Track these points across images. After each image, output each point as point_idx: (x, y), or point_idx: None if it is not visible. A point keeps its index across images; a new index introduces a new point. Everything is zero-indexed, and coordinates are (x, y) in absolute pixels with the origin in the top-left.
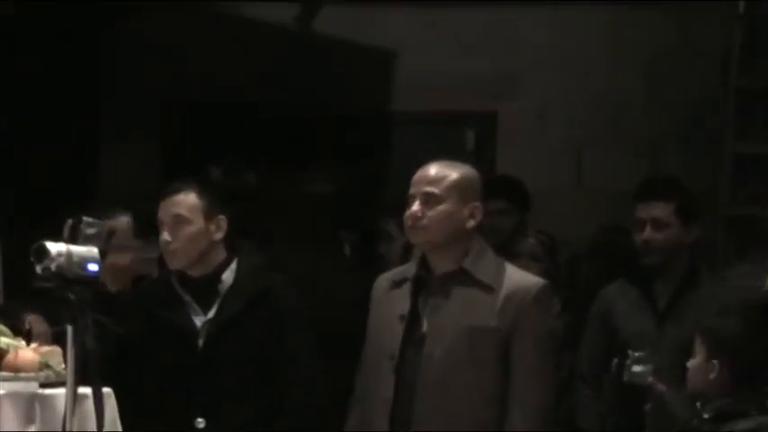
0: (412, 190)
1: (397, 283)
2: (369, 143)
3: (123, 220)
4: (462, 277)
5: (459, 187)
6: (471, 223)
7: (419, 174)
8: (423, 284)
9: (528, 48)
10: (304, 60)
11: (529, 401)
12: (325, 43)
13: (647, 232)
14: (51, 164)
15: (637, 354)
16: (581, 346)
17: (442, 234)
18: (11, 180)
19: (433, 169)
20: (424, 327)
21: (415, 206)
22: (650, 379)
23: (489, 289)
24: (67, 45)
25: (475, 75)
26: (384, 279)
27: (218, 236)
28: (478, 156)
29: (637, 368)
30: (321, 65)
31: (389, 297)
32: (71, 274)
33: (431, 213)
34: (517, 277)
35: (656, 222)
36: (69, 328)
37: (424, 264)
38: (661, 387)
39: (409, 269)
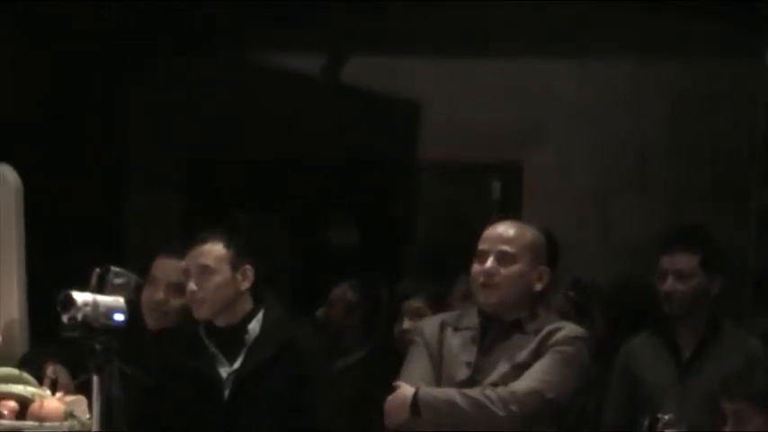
0: (484, 246)
1: (455, 329)
2: (395, 192)
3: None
4: (516, 326)
5: (532, 249)
6: (539, 286)
7: (493, 231)
8: (484, 333)
9: (553, 98)
10: (330, 110)
11: (531, 385)
12: (352, 93)
13: (670, 283)
14: (77, 212)
15: (667, 417)
16: (606, 398)
17: (512, 294)
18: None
19: (508, 228)
20: (479, 371)
21: (489, 263)
22: None
23: (535, 334)
24: (93, 95)
25: (500, 125)
26: (435, 323)
27: (245, 285)
28: (503, 206)
29: None
30: (347, 115)
31: (447, 341)
32: (97, 324)
33: (505, 272)
34: (559, 324)
35: (679, 274)
36: (95, 378)
37: (482, 313)
38: None
39: (465, 316)
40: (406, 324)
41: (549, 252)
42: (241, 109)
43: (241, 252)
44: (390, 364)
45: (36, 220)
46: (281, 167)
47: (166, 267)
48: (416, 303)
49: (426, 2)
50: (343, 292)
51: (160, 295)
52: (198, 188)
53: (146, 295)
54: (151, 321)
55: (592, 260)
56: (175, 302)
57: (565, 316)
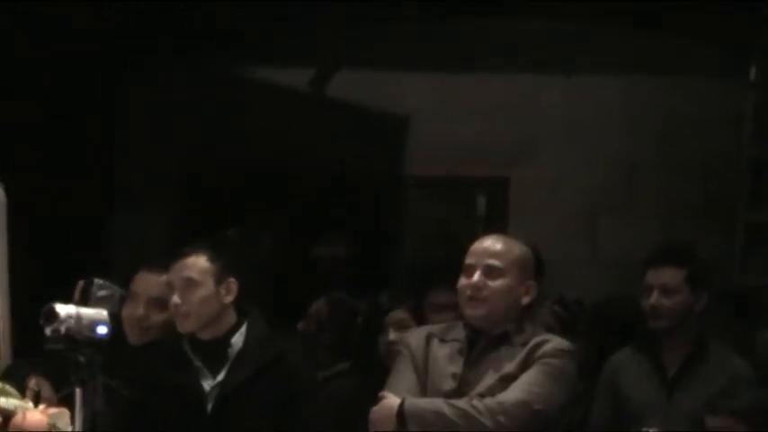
0: (471, 260)
1: (441, 341)
2: (382, 207)
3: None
4: (503, 339)
5: (519, 263)
6: (526, 300)
7: (480, 245)
8: (471, 346)
9: (542, 115)
10: (318, 125)
11: (518, 396)
12: (340, 108)
13: (655, 297)
14: (65, 226)
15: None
16: (590, 414)
17: (499, 308)
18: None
19: (496, 243)
20: (465, 383)
21: (477, 276)
22: None
23: (522, 346)
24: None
25: (488, 141)
26: (421, 334)
27: (228, 299)
28: (489, 221)
29: None
30: (335, 130)
31: (433, 352)
32: (80, 337)
33: (492, 286)
34: (546, 336)
35: (664, 288)
36: (78, 391)
37: (469, 326)
38: None
39: (452, 328)
40: (392, 336)
41: (536, 266)
42: (227, 123)
43: (225, 265)
44: (372, 376)
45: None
46: (267, 181)
47: (147, 282)
48: (401, 315)
49: (415, 18)
50: (319, 306)
51: (140, 311)
52: (184, 201)
53: (126, 311)
54: (132, 337)
55: (579, 276)
56: (156, 318)
57: (550, 330)
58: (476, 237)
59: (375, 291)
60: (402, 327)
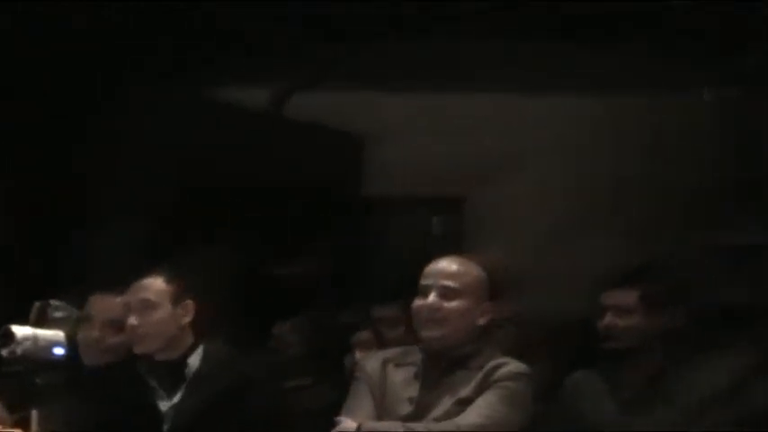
0: (427, 281)
1: (397, 365)
2: (342, 225)
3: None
4: (460, 362)
5: (475, 284)
6: (482, 321)
7: (435, 266)
8: (428, 369)
9: (505, 133)
10: (278, 142)
11: (475, 420)
12: (300, 126)
13: (608, 318)
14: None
15: None
16: None
17: (455, 329)
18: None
19: (451, 264)
20: (422, 407)
21: (432, 298)
22: None
23: (478, 369)
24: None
25: (449, 160)
26: (377, 359)
27: (186, 320)
28: (447, 241)
29: None
30: (293, 148)
31: (389, 377)
32: (37, 358)
33: (448, 307)
34: (503, 360)
35: (617, 309)
36: (33, 412)
37: (425, 349)
38: None
39: (408, 352)
40: (358, 356)
41: (494, 287)
42: (188, 138)
43: (183, 286)
44: (336, 394)
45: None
46: (227, 198)
47: (102, 305)
48: (366, 336)
49: (375, 36)
50: (283, 326)
51: (95, 333)
52: (148, 217)
53: (81, 334)
54: (88, 359)
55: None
56: (112, 340)
57: (509, 352)
58: (432, 257)
59: (337, 309)
60: (367, 348)
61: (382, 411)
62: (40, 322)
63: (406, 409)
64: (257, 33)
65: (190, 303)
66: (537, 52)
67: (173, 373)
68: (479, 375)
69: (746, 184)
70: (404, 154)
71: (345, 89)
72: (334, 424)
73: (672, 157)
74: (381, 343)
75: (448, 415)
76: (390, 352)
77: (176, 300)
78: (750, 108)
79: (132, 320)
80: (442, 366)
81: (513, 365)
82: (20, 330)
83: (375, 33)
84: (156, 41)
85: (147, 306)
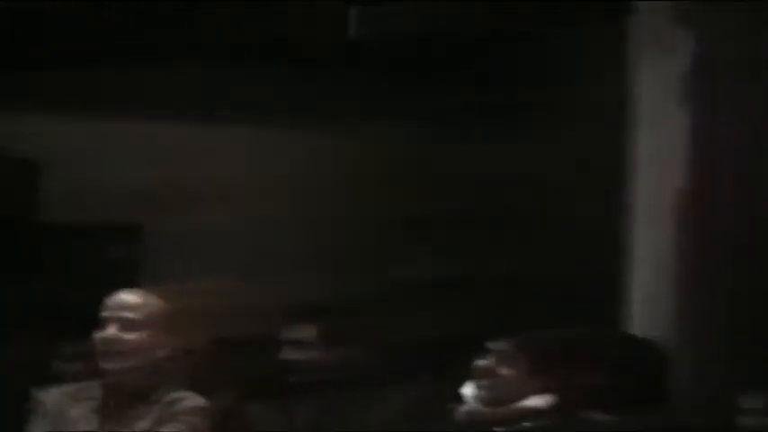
0: (107, 313)
1: (75, 400)
2: (16, 253)
3: None
4: (139, 395)
5: (155, 316)
6: (162, 354)
7: (116, 298)
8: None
9: (185, 162)
10: None
11: None
12: None
13: (285, 351)
14: None
15: None
16: None
17: (134, 362)
18: None
19: (131, 296)
20: None
21: (111, 330)
22: None
23: (157, 403)
24: None
25: (129, 186)
26: (55, 394)
27: None
28: (126, 270)
29: None
30: None
31: (67, 413)
32: None
33: (127, 339)
34: (182, 394)
35: (298, 343)
36: None
37: (104, 382)
38: None
39: (87, 387)
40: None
41: (176, 319)
42: None
43: None
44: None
45: None
46: None
47: None
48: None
49: (50, 63)
50: None
51: None
52: None
53: None
54: None
55: (231, 328)
56: None
57: (192, 386)
58: (111, 287)
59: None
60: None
61: None
62: None
63: None
64: None
65: None
66: (224, 79)
67: None
68: (157, 409)
69: (423, 219)
70: (83, 180)
71: (22, 115)
72: None
73: (363, 191)
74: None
75: None
76: (68, 387)
77: None
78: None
79: None
80: (122, 400)
81: (190, 400)
82: None
83: (53, 59)
84: None
85: None
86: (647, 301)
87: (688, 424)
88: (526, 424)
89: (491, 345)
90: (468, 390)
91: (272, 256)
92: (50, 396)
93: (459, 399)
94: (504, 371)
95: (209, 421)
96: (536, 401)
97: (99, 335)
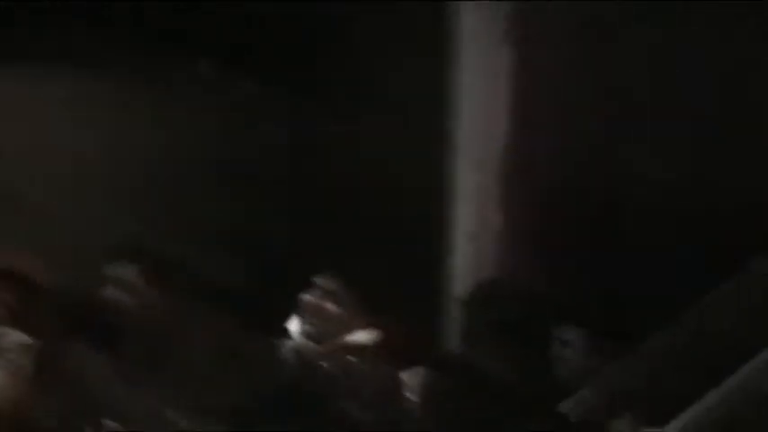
0: None
1: None
2: None
3: None
4: None
5: None
6: None
7: None
8: None
9: None
10: None
11: None
12: None
13: (110, 291)
14: None
15: None
16: None
17: None
18: None
19: None
20: None
21: None
22: None
23: None
24: None
25: None
26: None
27: None
28: None
29: None
30: None
31: None
32: None
33: None
34: (4, 331)
35: (120, 282)
36: None
37: None
38: None
39: None
40: None
41: None
42: None
43: None
44: None
45: None
46: None
47: None
48: None
49: None
50: None
51: None
52: None
53: None
54: None
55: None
56: None
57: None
58: None
59: None
60: None
61: None
62: None
63: None
64: None
65: None
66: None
67: None
68: None
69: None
70: None
71: None
72: None
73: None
74: None
75: None
76: None
77: None
78: None
79: None
80: None
81: (14, 336)
82: None
83: None
84: None
85: None
86: (471, 239)
87: None
88: (351, 358)
89: (317, 280)
90: (293, 325)
91: (91, 195)
92: None
93: (285, 334)
94: (330, 306)
95: (34, 359)
96: (361, 336)
97: None
